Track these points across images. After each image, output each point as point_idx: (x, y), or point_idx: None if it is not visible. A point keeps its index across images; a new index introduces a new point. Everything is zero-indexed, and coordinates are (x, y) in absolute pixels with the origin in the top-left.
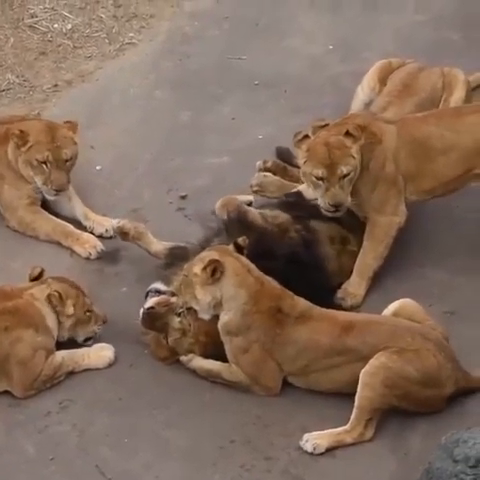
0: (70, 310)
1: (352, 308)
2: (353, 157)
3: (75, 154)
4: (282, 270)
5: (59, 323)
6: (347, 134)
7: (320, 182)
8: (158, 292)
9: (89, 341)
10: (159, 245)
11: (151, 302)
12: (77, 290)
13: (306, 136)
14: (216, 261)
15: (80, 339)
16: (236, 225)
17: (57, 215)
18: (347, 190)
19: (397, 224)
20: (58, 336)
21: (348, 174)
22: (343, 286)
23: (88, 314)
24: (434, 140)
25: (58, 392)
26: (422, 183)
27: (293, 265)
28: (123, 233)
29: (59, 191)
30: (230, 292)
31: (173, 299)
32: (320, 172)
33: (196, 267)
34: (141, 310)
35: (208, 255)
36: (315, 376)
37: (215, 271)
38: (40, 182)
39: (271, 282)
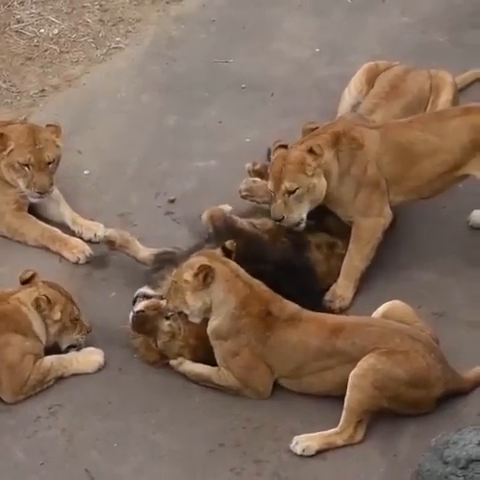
0: (57, 315)
1: (341, 310)
2: (306, 175)
3: (58, 157)
4: (273, 274)
5: (46, 328)
6: (310, 151)
7: (271, 194)
8: (146, 297)
9: (71, 349)
10: (146, 252)
11: (141, 305)
12: (66, 297)
13: (281, 146)
14: (207, 267)
15: (63, 346)
16: (225, 235)
17: (45, 220)
18: (293, 207)
19: (382, 226)
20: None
21: (293, 191)
22: (331, 289)
23: (74, 322)
24: (418, 145)
25: (47, 397)
26: (407, 186)
27: (284, 269)
28: (110, 242)
29: (42, 193)
30: (220, 297)
31: (162, 302)
32: (269, 184)
33: (186, 273)
34: (130, 314)
35: (198, 261)
36: (306, 379)
37: (206, 277)
38: (23, 185)
39: (260, 285)
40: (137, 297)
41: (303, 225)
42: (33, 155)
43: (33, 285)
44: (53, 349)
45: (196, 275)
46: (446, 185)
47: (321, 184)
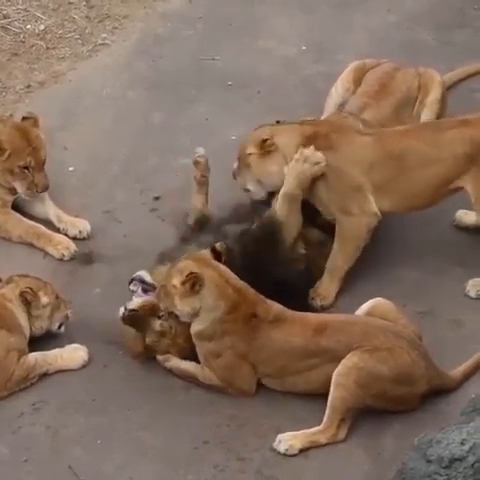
0: (45, 300)
1: (323, 308)
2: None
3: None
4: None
5: (30, 319)
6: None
7: None
8: (142, 282)
9: (62, 327)
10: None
11: (135, 304)
12: (40, 280)
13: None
14: (195, 275)
15: (55, 325)
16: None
17: (30, 217)
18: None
19: (366, 225)
20: (36, 329)
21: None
22: (315, 287)
23: (58, 299)
24: (413, 155)
25: (31, 393)
26: (399, 197)
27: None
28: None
29: (43, 192)
30: (209, 303)
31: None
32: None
33: (175, 279)
34: (121, 308)
35: (187, 267)
36: (290, 378)
37: (194, 285)
38: (23, 187)
39: (247, 288)
40: (133, 280)
41: (257, 197)
42: (32, 157)
43: (11, 281)
44: (36, 344)
45: (184, 283)
46: (438, 198)
47: (263, 167)
